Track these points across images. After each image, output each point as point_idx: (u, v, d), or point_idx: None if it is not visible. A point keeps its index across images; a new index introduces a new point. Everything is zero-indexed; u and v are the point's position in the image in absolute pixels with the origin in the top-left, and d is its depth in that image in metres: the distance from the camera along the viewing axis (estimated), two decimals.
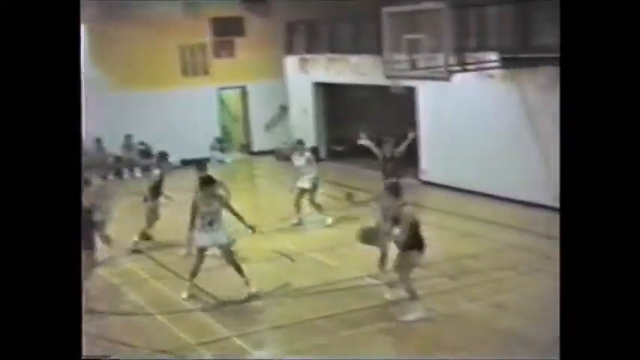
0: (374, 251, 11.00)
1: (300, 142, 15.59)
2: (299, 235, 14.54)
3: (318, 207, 15.14)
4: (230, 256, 11.10)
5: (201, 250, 10.94)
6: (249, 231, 11.20)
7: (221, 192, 12.23)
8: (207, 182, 11.20)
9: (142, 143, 22.13)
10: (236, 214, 10.98)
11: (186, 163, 22.52)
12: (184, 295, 10.96)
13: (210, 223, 10.77)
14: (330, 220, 14.96)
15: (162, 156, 14.54)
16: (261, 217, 14.88)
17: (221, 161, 23.42)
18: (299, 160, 15.09)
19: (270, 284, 11.39)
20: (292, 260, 12.76)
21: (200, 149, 23.05)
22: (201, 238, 10.87)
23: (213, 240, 10.86)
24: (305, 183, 14.94)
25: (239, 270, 11.01)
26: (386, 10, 15.14)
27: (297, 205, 15.05)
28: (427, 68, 14.85)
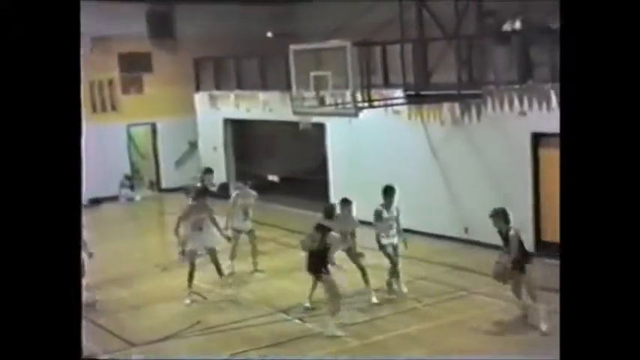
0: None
1: (209, 171, 15.58)
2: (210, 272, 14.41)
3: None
4: (214, 257, 12.67)
5: (193, 253, 12.42)
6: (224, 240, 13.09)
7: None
8: (201, 193, 13.05)
9: None
10: (216, 225, 12.74)
11: (94, 201, 22.23)
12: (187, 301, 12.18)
13: (200, 229, 12.46)
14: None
15: None
16: (171, 255, 14.74)
17: (130, 199, 23.14)
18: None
19: (182, 324, 11.32)
20: (204, 298, 12.68)
21: (109, 187, 22.76)
22: (192, 242, 12.44)
23: (203, 243, 12.53)
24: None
25: (219, 270, 12.66)
26: (293, 47, 15.38)
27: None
28: (335, 105, 15.11)
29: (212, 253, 12.71)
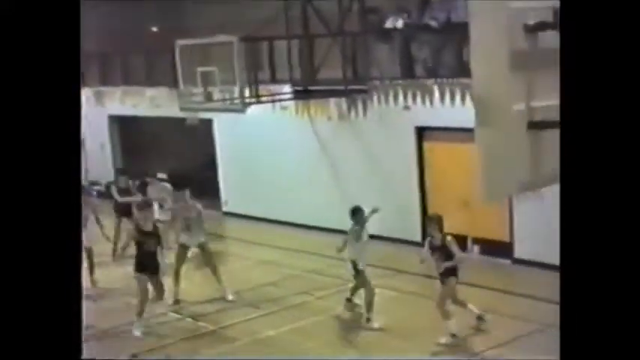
0: None
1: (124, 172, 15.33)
2: None
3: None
4: (209, 258, 12.02)
5: (183, 248, 11.87)
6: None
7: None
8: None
9: None
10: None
11: None
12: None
13: (188, 228, 11.80)
14: None
15: None
16: None
17: None
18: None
19: None
20: None
21: None
22: (182, 237, 11.86)
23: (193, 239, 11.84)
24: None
25: (215, 273, 11.90)
26: (179, 42, 15.24)
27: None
28: (222, 100, 15.08)
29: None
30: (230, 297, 11.80)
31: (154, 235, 10.57)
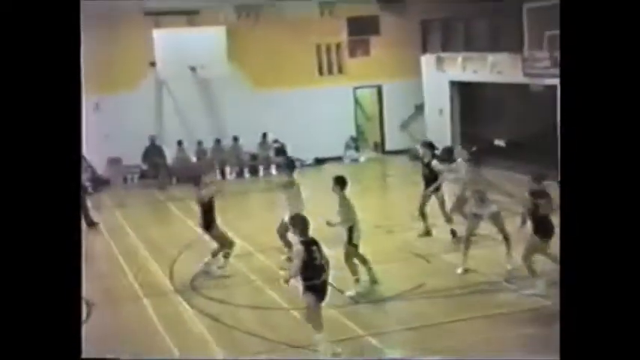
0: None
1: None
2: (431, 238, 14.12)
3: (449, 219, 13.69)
4: (500, 228, 11.76)
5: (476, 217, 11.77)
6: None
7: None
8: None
9: (276, 141, 22.51)
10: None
11: (319, 161, 22.85)
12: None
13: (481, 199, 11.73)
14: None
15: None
16: (394, 216, 14.75)
17: (355, 160, 23.49)
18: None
19: (405, 284, 11.26)
20: (428, 262, 12.53)
21: (334, 148, 23.26)
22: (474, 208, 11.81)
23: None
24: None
25: (507, 242, 11.64)
26: (527, 5, 14.70)
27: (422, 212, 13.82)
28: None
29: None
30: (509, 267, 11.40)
31: None
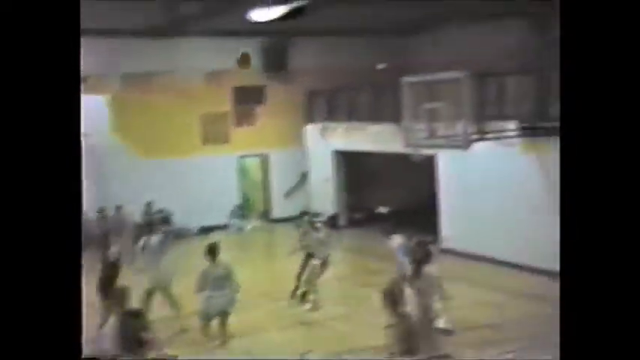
0: None
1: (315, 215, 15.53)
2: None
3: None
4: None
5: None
6: None
7: None
8: None
9: (160, 211, 22.21)
10: None
11: (205, 230, 22.66)
12: None
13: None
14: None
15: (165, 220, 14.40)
16: (279, 284, 14.76)
17: (240, 228, 23.43)
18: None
19: (291, 353, 11.24)
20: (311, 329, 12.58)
21: (220, 216, 23.15)
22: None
23: None
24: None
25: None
26: (406, 79, 15.29)
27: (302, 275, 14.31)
28: (446, 137, 14.89)
29: None
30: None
31: None
